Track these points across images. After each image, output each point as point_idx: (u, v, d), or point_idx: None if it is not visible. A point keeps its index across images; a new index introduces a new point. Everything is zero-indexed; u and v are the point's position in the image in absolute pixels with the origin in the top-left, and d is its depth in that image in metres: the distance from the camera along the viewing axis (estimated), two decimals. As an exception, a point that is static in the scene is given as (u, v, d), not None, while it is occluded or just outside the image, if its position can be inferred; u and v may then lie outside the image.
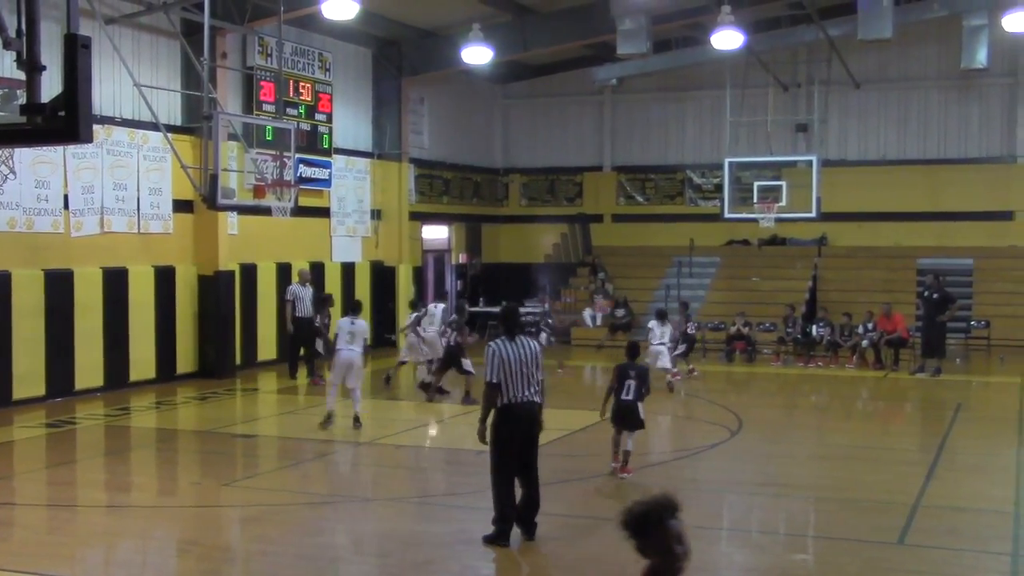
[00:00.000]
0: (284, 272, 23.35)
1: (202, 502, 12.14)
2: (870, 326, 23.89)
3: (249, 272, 22.75)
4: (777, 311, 26.05)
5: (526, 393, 9.88)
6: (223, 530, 11.26)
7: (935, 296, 22.38)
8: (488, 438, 10.08)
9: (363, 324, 16.18)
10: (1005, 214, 29.31)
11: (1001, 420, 17.44)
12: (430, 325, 19.62)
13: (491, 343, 10.01)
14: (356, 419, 15.71)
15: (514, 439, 9.95)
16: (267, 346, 23.20)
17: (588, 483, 12.90)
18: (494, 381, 9.82)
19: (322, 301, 21.63)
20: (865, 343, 23.83)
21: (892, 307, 24.15)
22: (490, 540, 9.96)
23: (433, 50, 27.30)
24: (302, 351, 21.70)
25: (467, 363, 18.34)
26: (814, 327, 24.83)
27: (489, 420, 10.06)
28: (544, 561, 9.86)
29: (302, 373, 21.51)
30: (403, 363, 20.96)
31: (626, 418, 12.70)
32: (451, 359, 18.64)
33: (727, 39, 23.40)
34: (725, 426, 16.34)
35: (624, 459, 12.77)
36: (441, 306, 20.37)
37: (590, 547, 10.20)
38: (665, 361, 19.63)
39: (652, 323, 20.18)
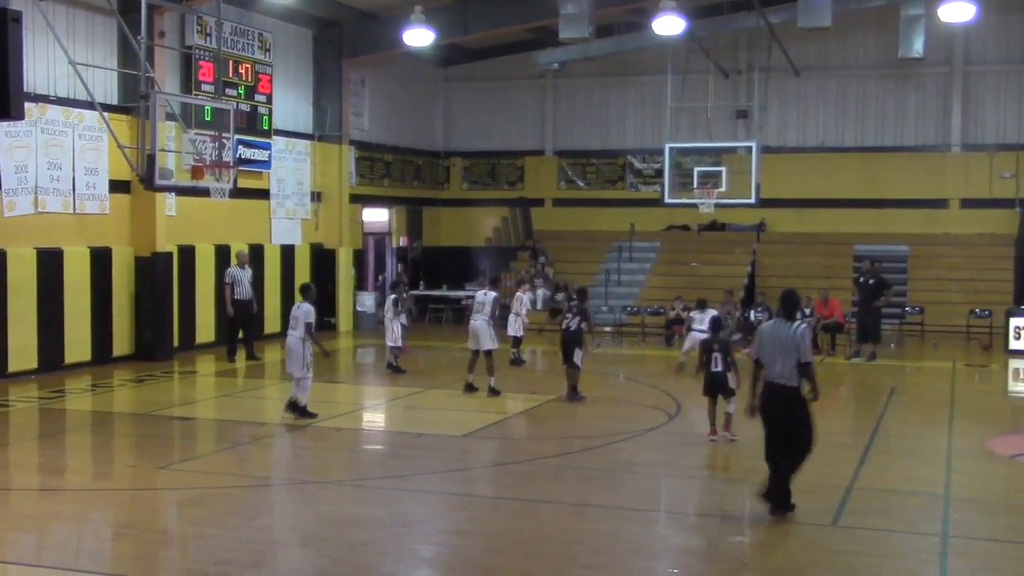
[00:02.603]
0: (223, 254, 23.14)
1: (138, 485, 12.02)
2: (807, 311, 24.17)
3: (187, 254, 22.51)
4: (716, 296, 26.21)
5: (777, 374, 10.35)
6: (159, 513, 11.14)
7: (871, 282, 22.69)
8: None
9: (306, 308, 15.24)
10: (940, 202, 29.79)
11: (933, 404, 17.74)
12: (479, 314, 17.64)
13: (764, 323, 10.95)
14: (290, 404, 15.31)
15: (767, 416, 10.50)
16: (205, 328, 22.99)
17: (525, 466, 12.94)
18: (755, 358, 10.67)
19: (397, 284, 23.09)
20: (802, 328, 24.07)
21: (829, 293, 24.46)
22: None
23: (374, 32, 27.12)
24: (240, 333, 21.57)
25: (580, 356, 16.88)
26: (752, 312, 25.08)
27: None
28: (483, 544, 9.87)
29: (240, 356, 21.40)
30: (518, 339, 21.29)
31: (719, 388, 14.03)
32: (566, 347, 16.97)
33: (668, 25, 23.51)
34: (663, 409, 16.47)
35: (726, 420, 14.04)
36: (493, 294, 17.90)
37: (531, 530, 10.23)
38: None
39: (693, 312, 20.01)
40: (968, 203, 29.57)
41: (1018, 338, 23.82)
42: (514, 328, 21.25)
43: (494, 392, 17.39)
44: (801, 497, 10.67)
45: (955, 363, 22.38)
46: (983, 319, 25.77)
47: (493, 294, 17.92)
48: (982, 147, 29.48)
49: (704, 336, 19.14)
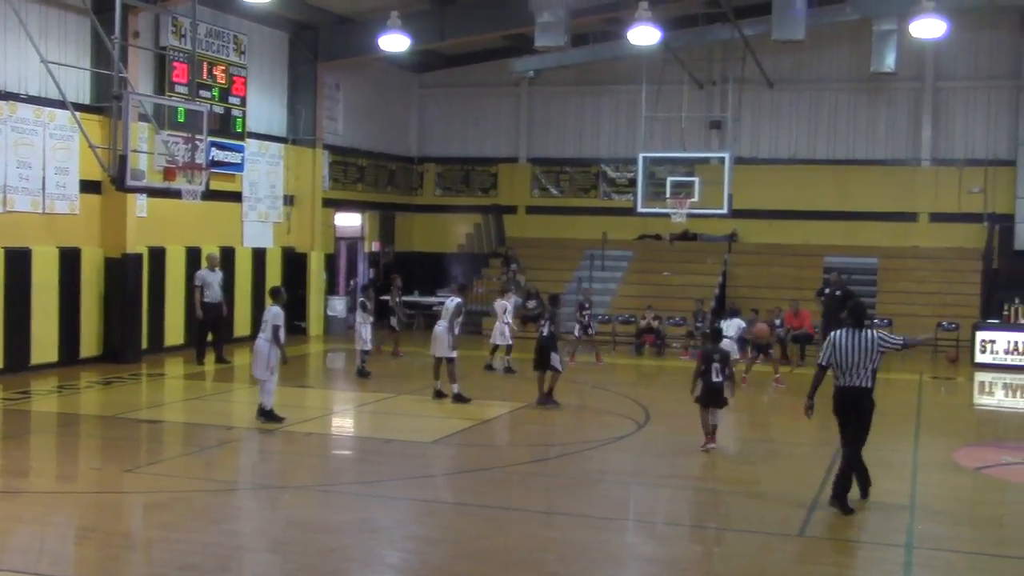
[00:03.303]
0: (194, 256, 23.02)
1: (103, 488, 11.93)
2: (778, 322, 24.29)
3: (158, 256, 22.38)
4: (687, 305, 26.37)
5: (853, 380, 11.11)
6: (125, 517, 11.08)
7: (837, 293, 22.86)
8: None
9: (275, 311, 15.16)
10: (909, 215, 30.02)
11: (900, 416, 17.82)
12: (442, 320, 17.56)
13: (835, 331, 11.52)
14: (260, 410, 15.23)
15: (842, 418, 11.26)
16: (174, 331, 22.85)
17: (494, 472, 12.94)
18: (822, 364, 11.37)
19: (367, 287, 23.39)
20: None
21: (799, 304, 24.58)
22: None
23: (350, 36, 27.09)
24: (210, 336, 21.48)
25: (556, 359, 16.98)
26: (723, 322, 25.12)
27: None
28: (451, 550, 9.86)
29: (210, 358, 21.30)
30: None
31: (714, 398, 14.15)
32: (542, 352, 16.99)
33: (644, 35, 23.55)
34: (632, 418, 16.51)
35: (711, 430, 14.16)
36: (456, 301, 17.66)
37: (498, 537, 10.23)
38: (735, 353, 19.51)
39: (723, 321, 19.77)
40: (937, 217, 29.81)
41: (984, 351, 24.05)
42: (502, 337, 21.17)
43: (459, 399, 17.33)
44: (767, 508, 10.72)
45: (922, 375, 22.54)
46: (950, 332, 25.95)
47: (456, 300, 17.73)
48: (951, 162, 29.73)
49: (729, 343, 19.06)
